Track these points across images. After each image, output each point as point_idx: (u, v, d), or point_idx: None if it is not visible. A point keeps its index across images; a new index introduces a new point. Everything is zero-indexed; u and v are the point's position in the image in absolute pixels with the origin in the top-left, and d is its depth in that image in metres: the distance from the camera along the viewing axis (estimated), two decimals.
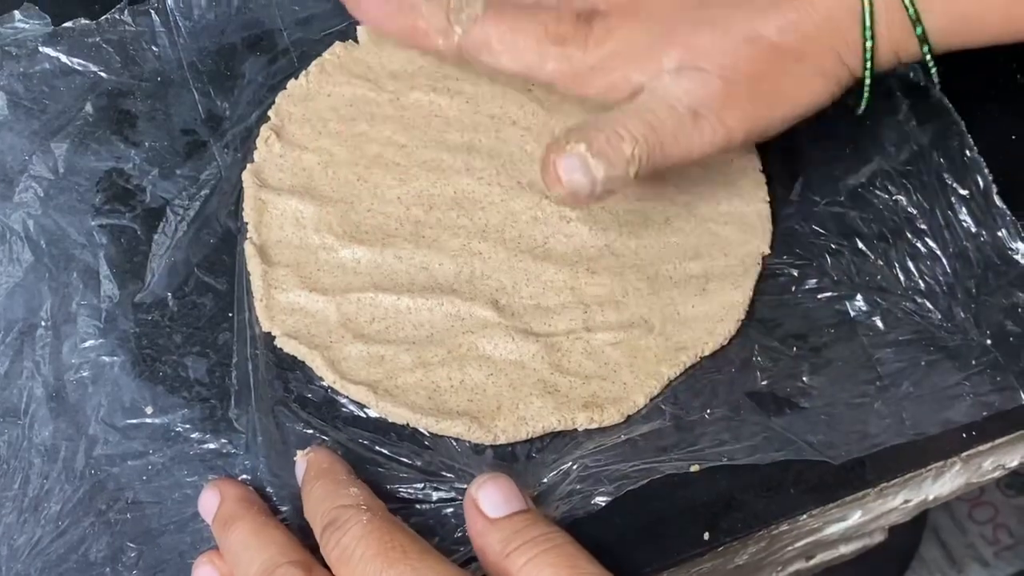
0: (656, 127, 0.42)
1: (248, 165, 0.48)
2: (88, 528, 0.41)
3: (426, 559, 0.37)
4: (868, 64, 0.43)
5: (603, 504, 0.42)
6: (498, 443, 0.44)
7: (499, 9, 0.45)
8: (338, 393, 0.44)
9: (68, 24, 0.51)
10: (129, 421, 0.43)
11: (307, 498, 0.41)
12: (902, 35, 0.43)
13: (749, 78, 0.42)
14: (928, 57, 0.43)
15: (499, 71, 0.46)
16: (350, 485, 0.40)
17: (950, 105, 0.50)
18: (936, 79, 0.45)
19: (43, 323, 0.45)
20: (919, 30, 0.42)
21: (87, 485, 0.42)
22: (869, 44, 0.43)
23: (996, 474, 0.48)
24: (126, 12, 0.51)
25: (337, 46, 0.51)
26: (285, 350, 0.45)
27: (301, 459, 0.42)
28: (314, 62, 0.51)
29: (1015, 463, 0.49)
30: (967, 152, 0.49)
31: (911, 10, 0.42)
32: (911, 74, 0.51)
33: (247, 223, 0.47)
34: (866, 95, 0.45)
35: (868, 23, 0.42)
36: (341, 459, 0.42)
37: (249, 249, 0.46)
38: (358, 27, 0.52)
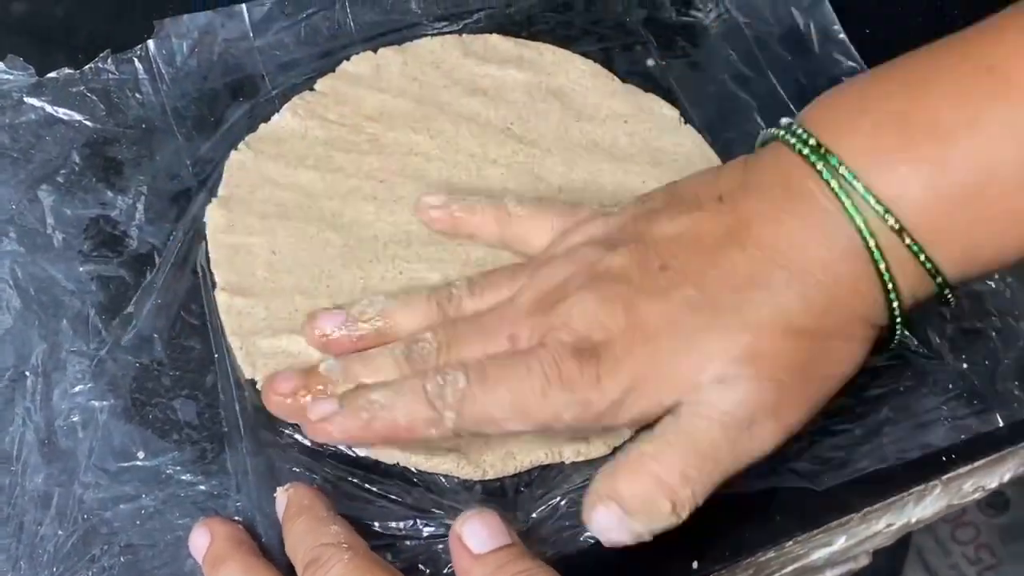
0: (708, 451, 0.39)
1: (213, 200, 0.49)
2: (83, 573, 0.41)
3: None
4: (898, 320, 0.41)
5: (593, 541, 0.43)
6: (486, 478, 0.44)
7: (483, 373, 0.41)
8: None
9: (52, 74, 0.51)
10: (120, 465, 0.43)
11: (288, 535, 0.41)
12: (916, 278, 0.40)
13: (797, 373, 0.40)
14: (948, 293, 0.41)
15: (509, 435, 0.43)
16: (331, 523, 0.40)
17: None
18: (954, 304, 0.42)
19: (33, 369, 0.45)
20: (939, 280, 0.40)
21: (80, 530, 0.42)
22: (894, 298, 0.40)
23: (976, 495, 0.49)
24: (109, 60, 0.52)
25: (307, 93, 0.52)
26: None
27: (281, 496, 0.42)
28: (285, 106, 0.52)
29: (994, 484, 0.49)
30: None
31: (928, 265, 0.39)
32: None
33: (214, 270, 0.47)
34: (897, 337, 0.42)
35: (888, 277, 0.40)
36: (322, 495, 0.42)
37: (220, 297, 0.47)
38: (318, 79, 0.52)
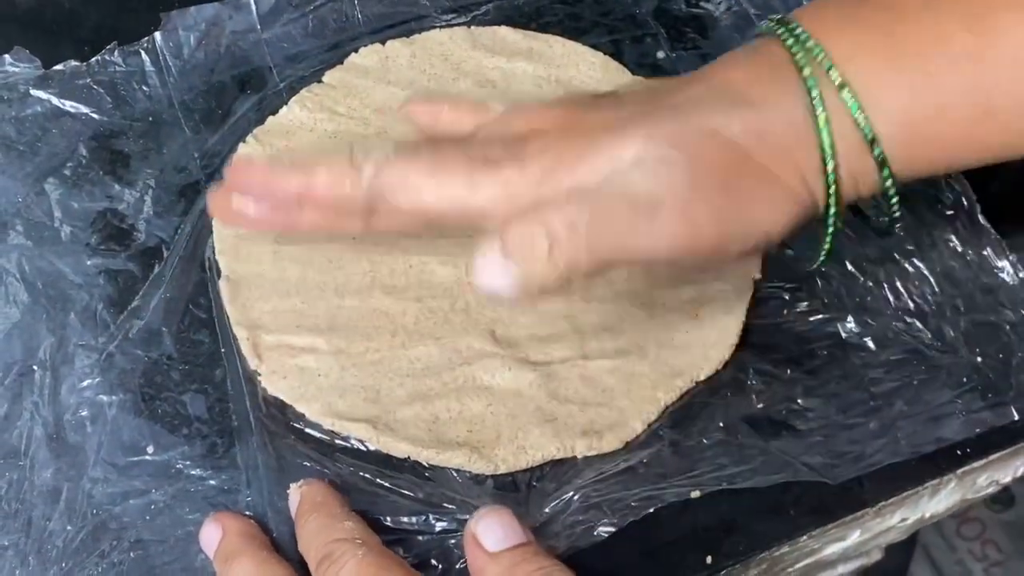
0: (604, 216, 0.37)
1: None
2: (92, 569, 0.41)
3: None
4: (832, 189, 0.39)
5: (606, 536, 0.42)
6: (498, 473, 0.44)
7: (414, 146, 0.40)
8: None
9: (59, 67, 0.51)
10: (130, 459, 0.43)
11: (301, 532, 0.41)
12: (860, 162, 0.39)
13: (716, 171, 0.38)
14: (889, 183, 0.40)
15: (419, 213, 0.39)
16: (345, 519, 0.40)
17: None
18: (896, 209, 0.41)
19: (41, 364, 0.45)
20: (877, 151, 0.39)
21: (90, 525, 0.42)
22: (831, 165, 0.39)
23: (990, 490, 0.49)
24: (116, 53, 0.52)
25: (315, 86, 0.52)
26: (273, 392, 0.45)
27: (294, 492, 0.42)
28: (292, 99, 0.51)
29: (1008, 479, 0.49)
30: (950, 173, 0.50)
31: (865, 128, 0.38)
32: None
33: (219, 259, 0.47)
34: (830, 234, 0.41)
35: (828, 141, 0.38)
36: (335, 492, 0.42)
37: (225, 287, 0.47)
38: (326, 72, 0.52)
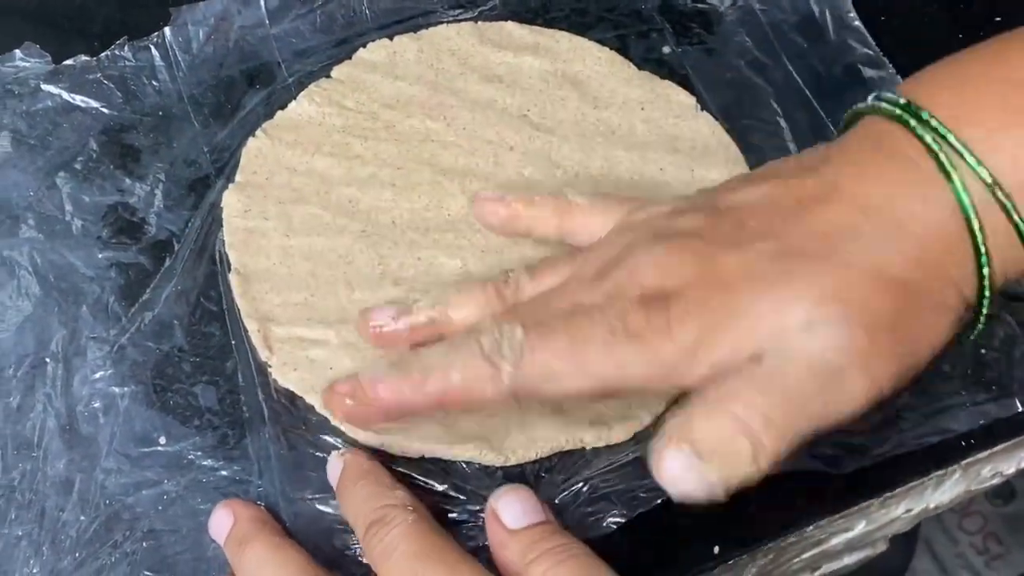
0: (792, 396, 0.35)
1: (231, 186, 0.49)
2: (105, 559, 0.42)
3: (464, 563, 0.38)
4: (987, 292, 0.37)
5: (615, 527, 0.43)
6: (509, 464, 0.44)
7: (543, 326, 0.38)
8: None
9: (69, 61, 0.51)
10: (142, 450, 0.44)
11: (348, 498, 0.41)
12: (1010, 252, 0.37)
13: (888, 325, 0.36)
14: None
15: (572, 398, 0.39)
16: (394, 488, 0.41)
17: None
18: None
19: (54, 356, 0.45)
20: None
21: (103, 516, 0.42)
22: (986, 271, 0.36)
23: (995, 481, 0.49)
24: (126, 48, 0.52)
25: (323, 81, 0.52)
26: (283, 384, 0.45)
27: (336, 460, 0.42)
28: (301, 94, 0.52)
29: (1012, 470, 0.50)
30: None
31: (1021, 225, 0.36)
32: None
33: (228, 252, 0.47)
34: (981, 324, 0.39)
35: (984, 249, 0.36)
36: (379, 463, 0.43)
37: (235, 280, 0.47)
38: (334, 67, 0.52)
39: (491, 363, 0.38)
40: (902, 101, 0.38)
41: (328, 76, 0.52)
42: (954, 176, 0.36)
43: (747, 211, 0.38)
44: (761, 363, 0.35)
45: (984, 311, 0.38)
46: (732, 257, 0.37)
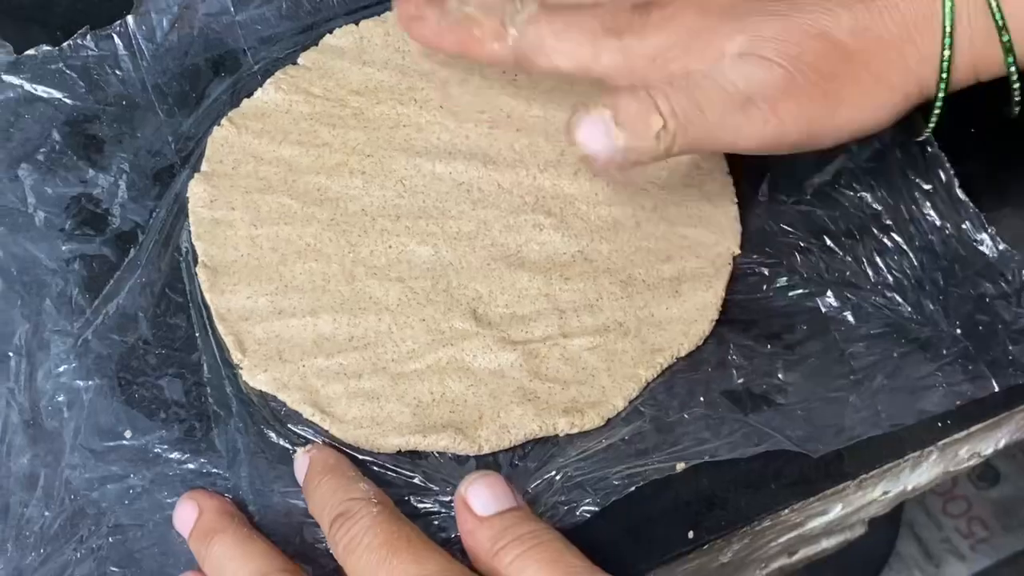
0: (702, 105, 0.40)
1: (196, 175, 0.48)
2: (71, 555, 0.41)
3: (430, 551, 0.37)
4: (944, 77, 0.40)
5: (589, 516, 0.42)
6: (482, 453, 0.44)
7: (553, 9, 0.43)
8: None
9: (30, 52, 0.51)
10: (107, 444, 0.43)
11: (313, 493, 0.41)
12: (984, 46, 0.40)
13: (813, 74, 0.40)
14: (1013, 71, 0.40)
15: (554, 72, 0.44)
16: (359, 481, 0.41)
17: None
18: (1019, 99, 0.42)
19: (16, 350, 0.44)
20: (1006, 38, 0.40)
21: (68, 511, 0.42)
22: (947, 54, 0.40)
23: (972, 462, 0.49)
24: (88, 37, 0.51)
25: (290, 68, 0.51)
26: (254, 385, 0.44)
27: (303, 456, 0.42)
28: (268, 81, 0.51)
29: (989, 451, 0.49)
30: (928, 148, 0.50)
31: (997, 15, 0.39)
32: None
33: (195, 244, 0.47)
34: (936, 113, 0.42)
35: (948, 28, 0.39)
36: (344, 458, 0.42)
37: (203, 273, 0.46)
38: (301, 53, 0.52)
39: (503, 25, 0.43)
40: None
41: (295, 63, 0.52)
42: None
43: None
44: (691, 76, 0.41)
45: (938, 102, 0.41)
46: None
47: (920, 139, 0.43)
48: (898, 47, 0.40)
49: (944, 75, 0.40)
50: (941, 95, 0.41)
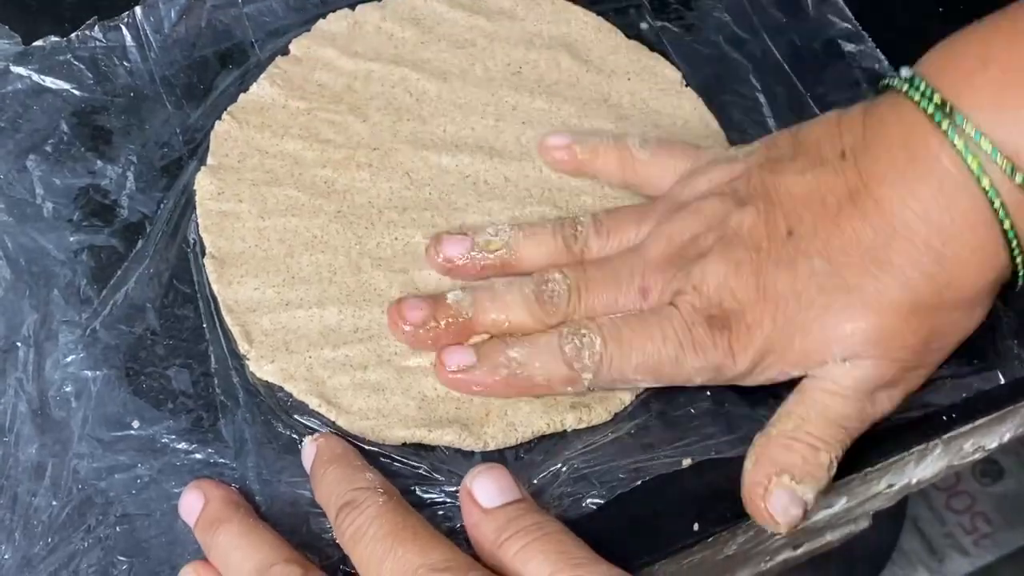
0: (839, 421, 0.41)
1: (203, 168, 0.48)
2: (78, 544, 0.41)
3: (436, 542, 0.37)
4: (1019, 257, 0.41)
5: (595, 507, 0.42)
6: (488, 450, 0.44)
7: (615, 331, 0.42)
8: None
9: (39, 42, 0.51)
10: (115, 434, 0.43)
11: (320, 481, 0.41)
12: None
13: (920, 348, 0.42)
14: None
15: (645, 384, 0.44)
16: (365, 470, 0.41)
17: None
18: None
19: (25, 340, 0.44)
20: None
21: (75, 500, 0.42)
22: (1020, 259, 0.40)
23: (976, 456, 0.49)
24: (96, 28, 0.51)
25: (280, 60, 0.51)
26: (261, 376, 0.44)
27: (310, 445, 0.42)
28: (263, 75, 0.51)
29: (994, 445, 0.49)
30: None
31: None
32: (875, 65, 0.52)
33: (203, 236, 0.47)
34: (1021, 279, 0.42)
35: (1016, 243, 0.40)
36: (351, 447, 0.42)
37: (210, 265, 0.46)
38: (293, 40, 0.52)
39: (572, 369, 0.42)
40: (934, 98, 0.40)
41: (287, 53, 0.52)
42: (983, 180, 0.39)
43: (796, 210, 0.42)
44: (804, 393, 0.42)
45: (1021, 271, 0.41)
46: (783, 276, 0.42)
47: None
48: (974, 276, 0.41)
49: (1019, 262, 0.41)
50: (1022, 271, 0.41)
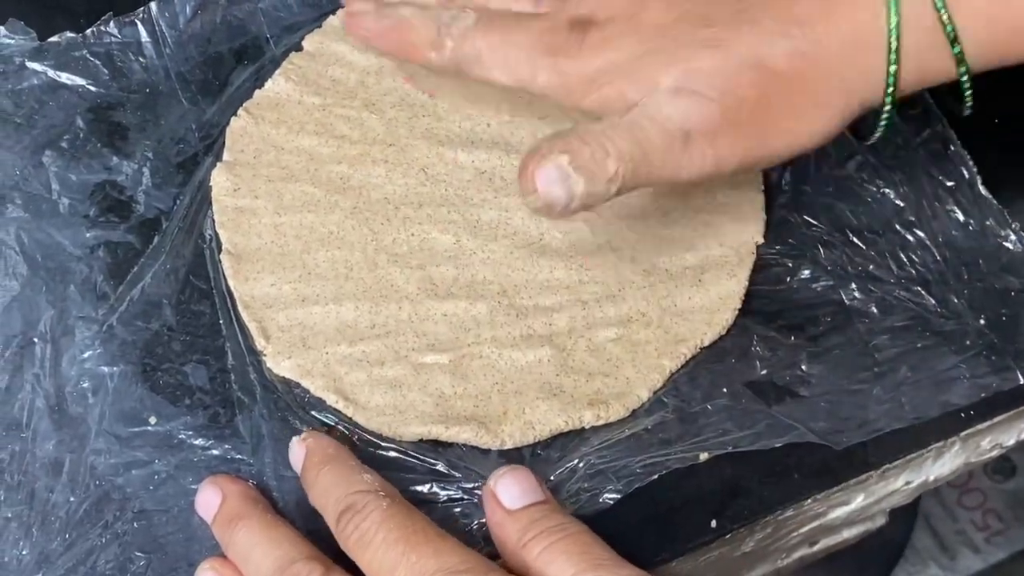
0: (644, 146, 0.40)
1: (219, 164, 0.48)
2: (96, 539, 0.41)
3: (449, 544, 0.37)
4: (891, 92, 0.40)
5: (612, 503, 0.42)
6: (505, 448, 0.44)
7: (490, 20, 0.43)
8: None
9: (54, 38, 0.51)
10: (132, 430, 0.43)
11: (314, 484, 0.40)
12: (931, 55, 0.40)
13: (748, 106, 0.40)
14: (965, 79, 0.40)
15: (492, 83, 0.44)
16: (362, 471, 0.40)
17: (930, 100, 0.50)
18: (970, 103, 0.41)
19: (42, 336, 0.45)
20: (956, 49, 0.39)
21: (93, 496, 0.42)
22: (893, 68, 0.39)
23: (994, 453, 0.49)
24: (112, 24, 0.51)
25: (294, 56, 0.51)
26: (278, 372, 0.44)
27: (298, 445, 0.42)
28: (277, 71, 0.51)
29: (1012, 442, 0.49)
30: (951, 146, 0.50)
31: (948, 27, 0.39)
32: None
33: (219, 232, 0.47)
34: (882, 126, 0.42)
35: (895, 45, 0.39)
36: (343, 446, 0.42)
37: (227, 261, 0.46)
38: (306, 36, 0.52)
39: (440, 34, 0.43)
40: None
41: (300, 49, 0.52)
42: None
43: None
44: (631, 111, 0.40)
45: (885, 113, 0.41)
46: (658, 7, 0.42)
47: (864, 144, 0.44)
48: (838, 69, 0.40)
49: (891, 89, 0.40)
50: (887, 109, 0.41)
